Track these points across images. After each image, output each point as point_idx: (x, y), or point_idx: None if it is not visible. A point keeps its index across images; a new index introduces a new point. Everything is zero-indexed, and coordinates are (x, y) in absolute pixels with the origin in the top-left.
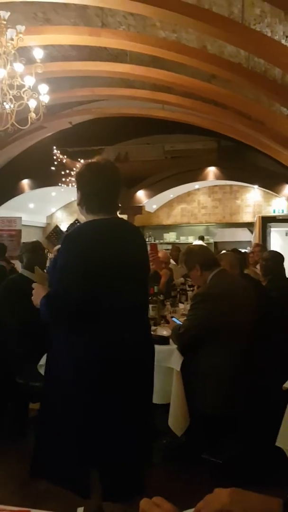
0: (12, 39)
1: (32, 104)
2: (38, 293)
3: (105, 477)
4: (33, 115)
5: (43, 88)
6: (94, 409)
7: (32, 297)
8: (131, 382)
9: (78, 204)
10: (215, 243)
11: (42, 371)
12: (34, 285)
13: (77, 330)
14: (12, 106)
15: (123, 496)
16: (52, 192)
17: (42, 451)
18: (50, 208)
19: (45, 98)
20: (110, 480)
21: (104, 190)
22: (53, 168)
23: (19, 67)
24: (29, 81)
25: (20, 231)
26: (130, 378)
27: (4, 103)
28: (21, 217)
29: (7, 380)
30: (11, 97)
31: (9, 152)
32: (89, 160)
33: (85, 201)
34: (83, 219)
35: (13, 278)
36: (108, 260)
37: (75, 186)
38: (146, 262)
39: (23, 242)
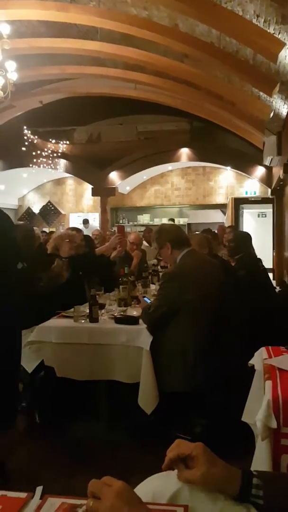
0: None
1: None
2: None
3: None
4: (0, 93)
5: (11, 65)
6: None
7: None
8: None
9: None
10: (189, 224)
11: None
12: None
13: None
14: None
15: None
16: (23, 173)
17: None
18: (21, 189)
19: (13, 76)
20: None
21: None
22: (24, 148)
23: None
24: None
25: None
26: None
27: None
28: None
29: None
30: None
31: None
32: None
33: None
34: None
35: None
36: None
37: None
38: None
39: (17, 224)
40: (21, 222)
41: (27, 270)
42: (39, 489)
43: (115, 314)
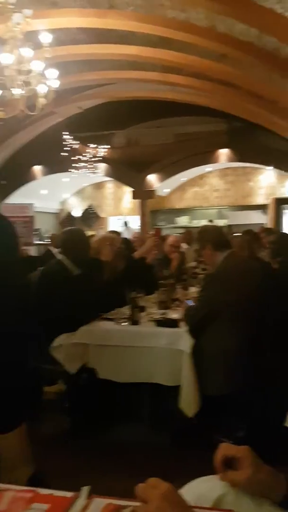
0: (19, 24)
1: (41, 89)
2: None
3: None
4: (42, 100)
5: (52, 72)
6: None
7: None
8: None
9: None
10: (229, 226)
11: (55, 353)
12: None
13: None
14: (21, 92)
15: None
16: (64, 178)
17: None
18: (62, 194)
19: (54, 83)
20: None
21: None
22: (64, 154)
23: (27, 52)
24: (38, 66)
25: (33, 217)
26: None
27: (13, 89)
28: (33, 204)
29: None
30: (20, 82)
31: (20, 138)
32: None
33: None
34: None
35: (53, 265)
36: None
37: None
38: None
39: (68, 229)
40: (75, 227)
41: (83, 276)
42: (85, 489)
43: (156, 317)
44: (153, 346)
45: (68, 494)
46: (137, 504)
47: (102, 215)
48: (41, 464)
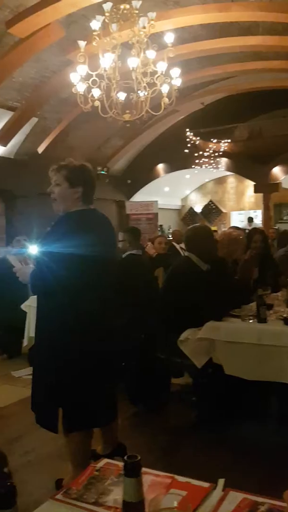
0: (144, 27)
1: (165, 89)
2: None
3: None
4: (166, 100)
5: (175, 71)
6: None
7: None
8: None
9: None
10: None
11: (182, 347)
12: None
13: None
14: (146, 93)
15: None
16: (186, 174)
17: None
18: (184, 190)
19: (177, 82)
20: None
21: (93, 188)
22: (186, 150)
23: (151, 54)
24: (162, 66)
25: (156, 214)
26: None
27: (139, 91)
28: (157, 201)
29: (150, 356)
30: (145, 84)
31: (144, 138)
32: (82, 163)
33: (83, 195)
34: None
35: (182, 261)
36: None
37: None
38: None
39: (194, 226)
40: (200, 224)
41: (212, 272)
42: (221, 481)
43: (285, 315)
44: (282, 345)
45: (205, 484)
46: (273, 502)
47: (223, 210)
48: (166, 453)
